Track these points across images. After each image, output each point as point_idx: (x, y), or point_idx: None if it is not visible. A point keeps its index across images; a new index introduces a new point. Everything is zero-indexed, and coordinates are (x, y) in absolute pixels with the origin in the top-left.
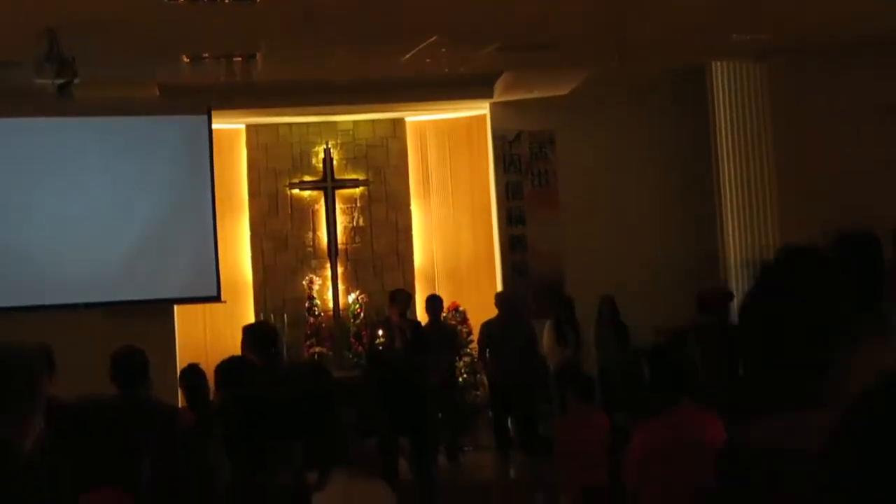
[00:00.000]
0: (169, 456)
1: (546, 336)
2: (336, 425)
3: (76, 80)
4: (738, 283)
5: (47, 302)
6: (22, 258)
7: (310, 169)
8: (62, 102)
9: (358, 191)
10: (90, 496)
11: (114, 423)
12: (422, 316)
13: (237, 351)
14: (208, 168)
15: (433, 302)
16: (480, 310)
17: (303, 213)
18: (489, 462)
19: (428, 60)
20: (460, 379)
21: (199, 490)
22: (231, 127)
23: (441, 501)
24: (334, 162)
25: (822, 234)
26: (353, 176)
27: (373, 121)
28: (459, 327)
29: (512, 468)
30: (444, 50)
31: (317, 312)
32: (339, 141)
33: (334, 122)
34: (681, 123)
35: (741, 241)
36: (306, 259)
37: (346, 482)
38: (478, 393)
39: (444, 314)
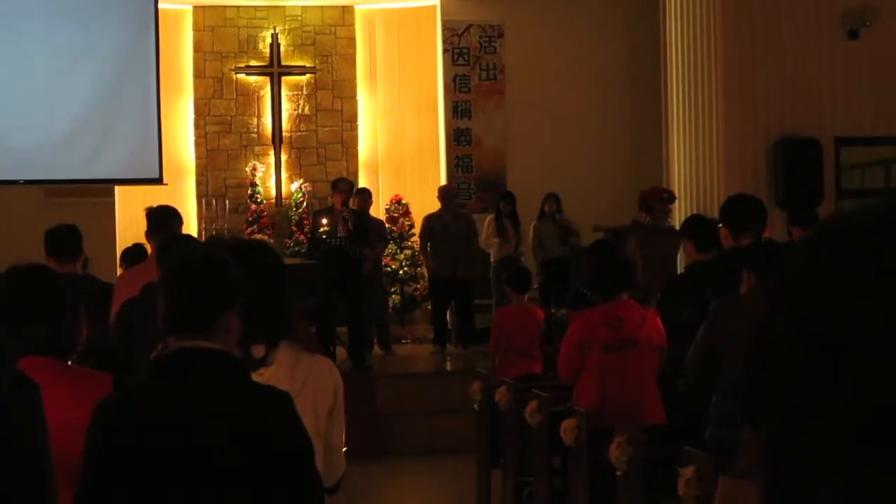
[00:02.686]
0: (104, 324)
1: (486, 230)
2: (282, 300)
3: None
4: (680, 185)
5: None
6: None
7: (256, 53)
8: None
9: (304, 78)
10: (26, 361)
11: (50, 290)
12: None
13: None
14: (153, 47)
15: (362, 195)
16: (423, 203)
17: (248, 98)
18: (425, 354)
19: None
20: (400, 272)
21: (140, 357)
22: (177, 7)
23: (376, 390)
24: (281, 48)
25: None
26: (300, 62)
27: (322, 7)
28: (401, 220)
29: (448, 360)
30: None
31: (259, 199)
32: (286, 26)
33: (283, 7)
34: (631, 22)
35: (685, 143)
36: (250, 145)
37: (292, 357)
38: (417, 285)
39: (385, 206)
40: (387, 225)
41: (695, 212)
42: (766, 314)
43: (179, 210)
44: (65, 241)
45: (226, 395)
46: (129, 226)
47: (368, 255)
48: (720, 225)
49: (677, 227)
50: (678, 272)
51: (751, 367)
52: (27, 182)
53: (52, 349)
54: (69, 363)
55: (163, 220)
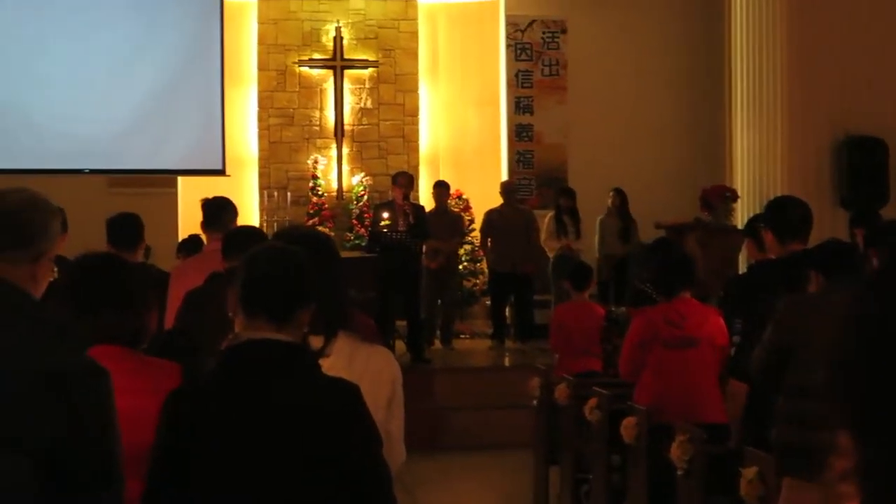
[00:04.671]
0: (160, 313)
1: (546, 226)
2: (341, 291)
3: None
4: (743, 184)
5: (50, 166)
6: (25, 120)
7: (319, 46)
8: None
9: (367, 72)
10: (96, 349)
11: (122, 279)
12: (428, 201)
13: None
14: (218, 38)
15: (440, 188)
16: (484, 197)
17: (310, 91)
18: (484, 348)
19: None
20: (461, 266)
21: (206, 346)
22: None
23: (434, 383)
24: (344, 41)
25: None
26: (363, 56)
27: (385, 1)
28: (462, 214)
29: (507, 355)
30: None
31: (320, 192)
32: (350, 20)
33: (346, 1)
34: (696, 16)
35: (748, 142)
36: (312, 137)
37: (350, 347)
38: (477, 280)
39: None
40: (463, 218)
41: (757, 211)
42: (866, 318)
43: (240, 202)
44: (126, 230)
45: (296, 387)
46: (192, 216)
47: (441, 248)
48: (765, 229)
49: (739, 227)
50: (738, 271)
51: (853, 372)
52: (92, 171)
53: (123, 338)
54: (139, 352)
55: (218, 211)
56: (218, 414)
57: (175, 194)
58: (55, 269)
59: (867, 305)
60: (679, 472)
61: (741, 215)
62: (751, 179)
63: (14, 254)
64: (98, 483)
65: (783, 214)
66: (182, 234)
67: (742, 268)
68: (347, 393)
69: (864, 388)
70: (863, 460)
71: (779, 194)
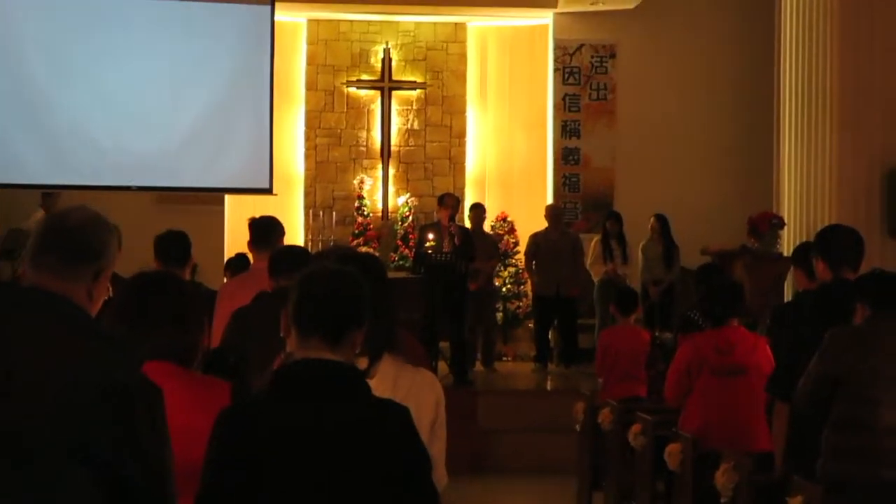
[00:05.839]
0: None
1: (592, 250)
2: (388, 312)
3: None
4: (790, 211)
5: (104, 182)
6: (85, 138)
7: (368, 67)
8: None
9: (415, 93)
10: (149, 366)
11: (176, 297)
12: (466, 223)
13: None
14: (268, 59)
15: (476, 210)
16: (529, 220)
17: (358, 112)
18: (527, 371)
19: None
20: (504, 289)
21: (255, 365)
22: (292, 20)
23: (477, 406)
24: (393, 62)
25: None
26: (411, 77)
27: (434, 23)
28: (506, 237)
29: (550, 378)
30: None
31: (365, 212)
32: (399, 41)
33: (396, 22)
34: (745, 43)
35: (796, 169)
36: (359, 158)
37: (395, 369)
38: (520, 303)
39: (491, 223)
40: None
41: (804, 239)
42: None
43: (286, 220)
44: (174, 247)
45: (350, 408)
46: (238, 234)
47: (481, 269)
48: (816, 257)
49: (786, 254)
50: (785, 299)
51: None
52: (140, 188)
53: (176, 355)
54: (191, 370)
55: (266, 230)
56: (273, 433)
57: (222, 212)
58: (110, 287)
59: None
60: (724, 501)
61: (787, 243)
62: (798, 207)
63: (74, 272)
64: (152, 500)
65: (836, 243)
66: (228, 253)
67: (788, 296)
68: (399, 415)
69: None
70: None
71: (826, 223)
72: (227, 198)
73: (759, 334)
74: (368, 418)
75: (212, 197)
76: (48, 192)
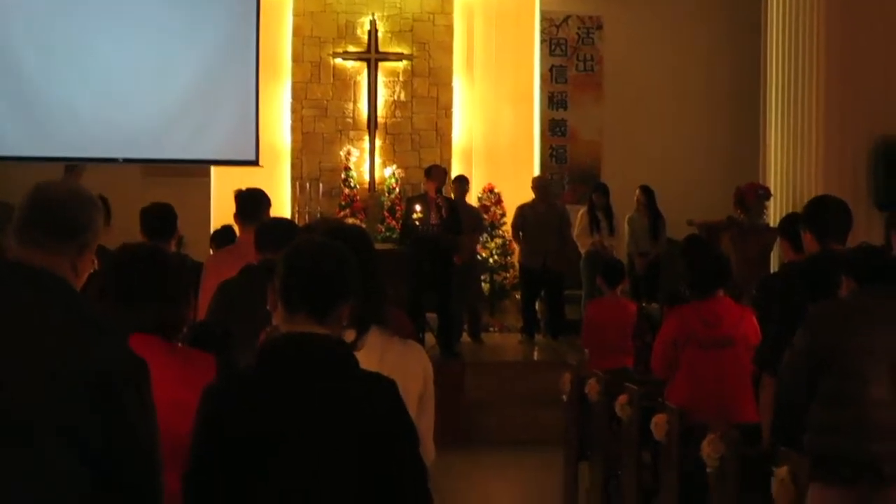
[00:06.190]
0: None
1: (579, 222)
2: (375, 285)
3: None
4: (777, 183)
5: (89, 154)
6: (68, 111)
7: (354, 39)
8: None
9: (401, 65)
10: (134, 338)
11: (162, 270)
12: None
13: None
14: (254, 31)
15: (460, 182)
16: (516, 192)
17: (344, 84)
18: (514, 343)
19: None
20: (490, 261)
21: (242, 338)
22: None
23: (464, 378)
24: (379, 34)
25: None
26: (398, 49)
27: None
28: (493, 209)
29: (537, 350)
30: None
31: (352, 184)
32: (385, 13)
33: None
34: (732, 14)
35: (783, 141)
36: (345, 130)
37: (382, 342)
38: (507, 275)
39: (478, 195)
40: (482, 214)
41: (791, 210)
42: None
43: (273, 193)
44: (159, 219)
45: (338, 382)
46: (225, 206)
47: (465, 242)
48: (804, 228)
49: (772, 225)
50: (771, 271)
51: None
52: (126, 160)
53: (161, 329)
54: (176, 343)
55: (252, 203)
56: (260, 407)
57: (208, 184)
58: (95, 260)
59: None
60: (710, 471)
61: (774, 215)
62: (785, 179)
63: (59, 246)
64: (139, 476)
65: (824, 214)
66: (214, 225)
67: (775, 267)
68: (386, 388)
69: None
70: None
71: (813, 194)
72: (214, 170)
73: (745, 306)
74: (355, 392)
75: (198, 169)
76: (71, 165)
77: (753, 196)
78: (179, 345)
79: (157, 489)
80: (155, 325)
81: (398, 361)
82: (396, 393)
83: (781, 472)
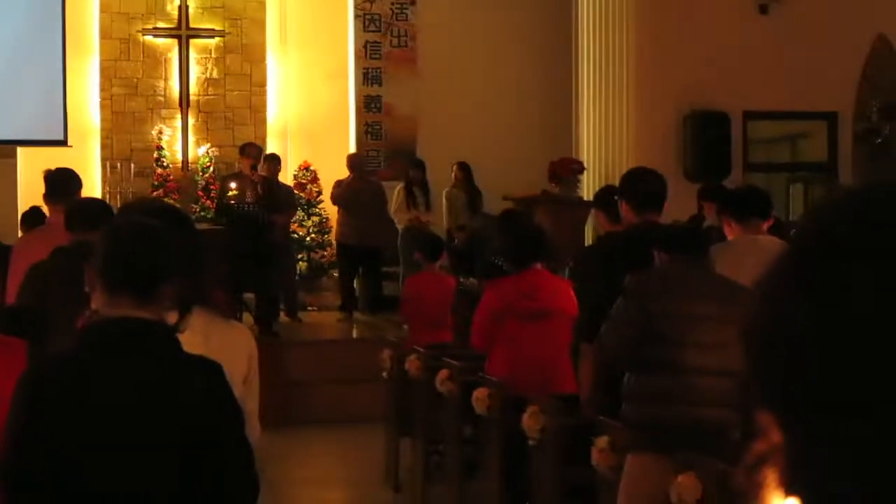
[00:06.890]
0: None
1: (396, 198)
2: (197, 265)
3: None
4: (590, 156)
5: None
6: None
7: (164, 15)
8: None
9: (213, 41)
10: None
11: None
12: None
13: None
14: (59, 6)
15: (271, 161)
16: (332, 169)
17: (155, 61)
18: (333, 321)
19: None
20: (307, 239)
21: (56, 322)
22: None
23: (284, 357)
24: (190, 10)
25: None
26: (209, 25)
27: None
28: (310, 186)
29: (356, 327)
30: None
31: (165, 164)
32: None
33: None
34: None
35: (595, 115)
36: (157, 108)
37: (205, 323)
38: (325, 253)
39: (294, 172)
40: (294, 192)
41: (604, 183)
42: (781, 299)
43: (83, 173)
44: None
45: (157, 366)
46: (33, 187)
47: (278, 221)
48: (621, 199)
49: (586, 199)
50: (586, 243)
51: (774, 354)
52: None
53: None
54: None
55: (62, 183)
56: (78, 393)
57: (14, 165)
58: None
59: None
60: (531, 443)
61: (588, 188)
62: (597, 153)
63: None
64: None
65: (641, 185)
66: (21, 207)
67: (589, 239)
68: (211, 371)
69: (786, 365)
70: (789, 443)
71: (625, 167)
72: (20, 150)
73: (562, 278)
74: (179, 375)
75: (3, 149)
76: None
77: (567, 170)
78: None
79: None
80: None
81: (223, 342)
82: (221, 375)
83: (601, 441)
